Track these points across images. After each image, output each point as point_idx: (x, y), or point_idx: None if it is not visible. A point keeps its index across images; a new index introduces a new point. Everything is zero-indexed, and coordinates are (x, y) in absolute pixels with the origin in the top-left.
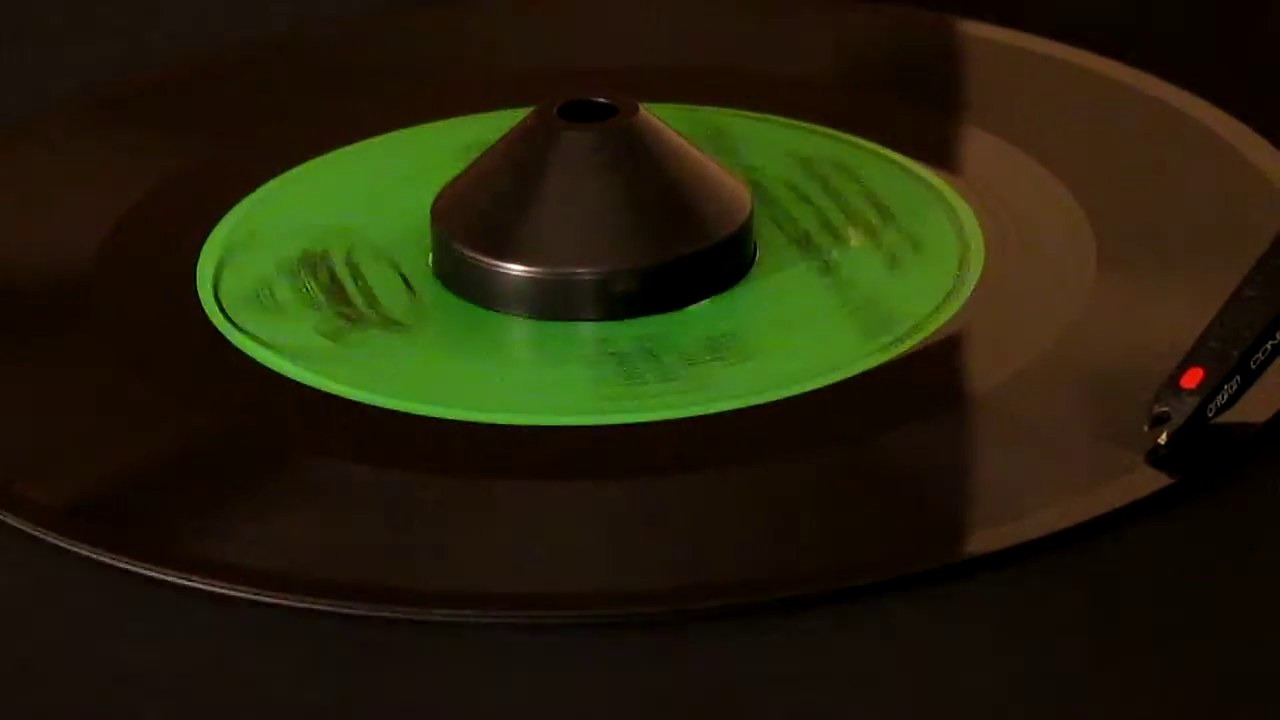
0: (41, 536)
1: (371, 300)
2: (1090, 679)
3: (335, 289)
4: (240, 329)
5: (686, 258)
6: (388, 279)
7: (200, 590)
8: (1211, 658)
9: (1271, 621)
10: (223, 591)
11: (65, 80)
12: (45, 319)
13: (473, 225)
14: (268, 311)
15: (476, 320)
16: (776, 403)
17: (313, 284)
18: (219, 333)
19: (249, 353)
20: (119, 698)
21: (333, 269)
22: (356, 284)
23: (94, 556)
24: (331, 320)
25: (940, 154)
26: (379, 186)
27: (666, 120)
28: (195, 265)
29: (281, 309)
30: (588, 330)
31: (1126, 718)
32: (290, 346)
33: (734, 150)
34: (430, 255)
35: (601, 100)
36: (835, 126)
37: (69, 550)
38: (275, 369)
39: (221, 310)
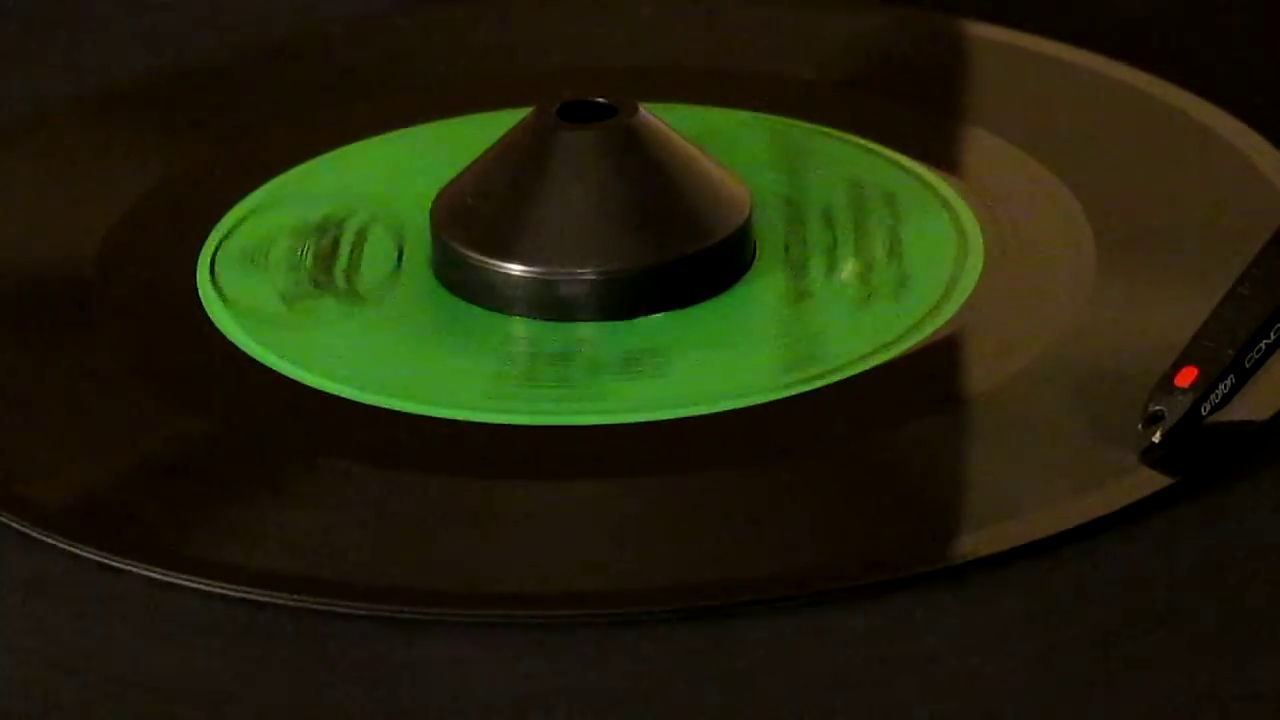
0: (41, 537)
1: (363, 291)
2: (1088, 679)
3: (330, 285)
4: (241, 329)
5: (687, 258)
6: (383, 278)
7: (200, 590)
8: (1209, 657)
9: (1270, 620)
10: (223, 591)
11: (65, 80)
12: (45, 319)
13: (472, 225)
14: (268, 312)
15: (476, 320)
16: (775, 402)
17: (308, 284)
18: (219, 333)
19: (250, 353)
20: (119, 697)
21: (331, 268)
22: (349, 282)
23: (94, 556)
24: (332, 307)
25: (940, 154)
26: (378, 187)
27: (666, 120)
28: (195, 265)
29: (280, 306)
30: (588, 330)
31: (1125, 717)
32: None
33: (734, 150)
34: (429, 254)
35: (601, 100)
36: (835, 127)
37: (69, 550)
38: (277, 369)
39: (222, 310)
